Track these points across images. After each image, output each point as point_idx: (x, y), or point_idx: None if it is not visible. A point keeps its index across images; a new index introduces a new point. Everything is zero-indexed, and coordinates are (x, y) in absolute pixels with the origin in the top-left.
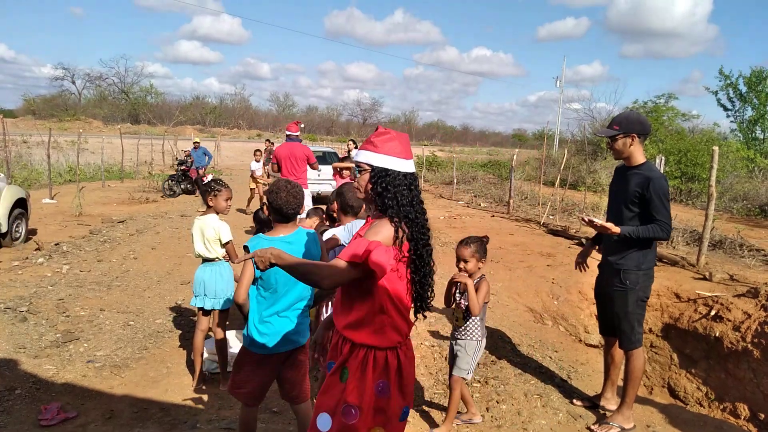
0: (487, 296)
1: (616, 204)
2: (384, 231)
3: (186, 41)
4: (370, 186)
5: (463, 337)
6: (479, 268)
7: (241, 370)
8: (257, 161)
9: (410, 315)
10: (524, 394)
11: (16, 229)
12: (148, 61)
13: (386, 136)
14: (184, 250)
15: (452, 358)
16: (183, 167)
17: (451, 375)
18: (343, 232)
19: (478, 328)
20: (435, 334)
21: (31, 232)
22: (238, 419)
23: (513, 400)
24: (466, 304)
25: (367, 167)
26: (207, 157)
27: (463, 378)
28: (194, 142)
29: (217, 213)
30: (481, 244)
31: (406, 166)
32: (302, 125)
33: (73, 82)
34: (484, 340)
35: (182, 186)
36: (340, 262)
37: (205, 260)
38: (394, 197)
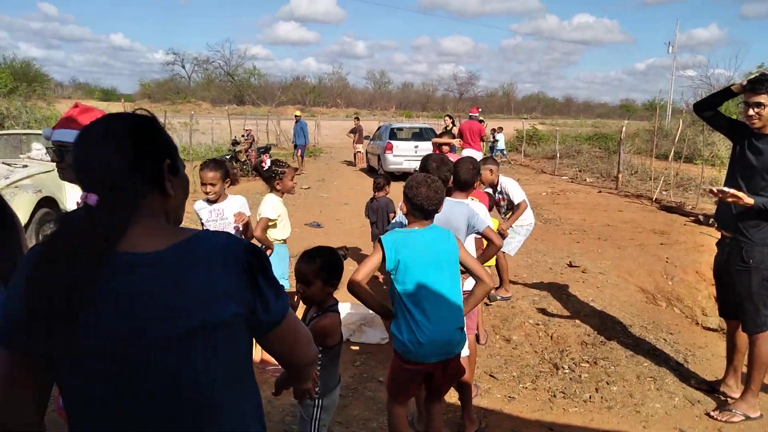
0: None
1: (746, 176)
2: None
3: (284, 23)
4: None
5: None
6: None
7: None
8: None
9: None
10: (636, 376)
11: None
12: (250, 43)
13: None
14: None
15: None
16: (238, 149)
17: None
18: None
19: None
20: (543, 312)
21: None
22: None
23: (624, 382)
24: None
25: None
26: (303, 136)
27: None
28: (295, 115)
29: (284, 194)
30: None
31: None
32: (480, 110)
33: (183, 67)
34: None
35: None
36: None
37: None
38: None
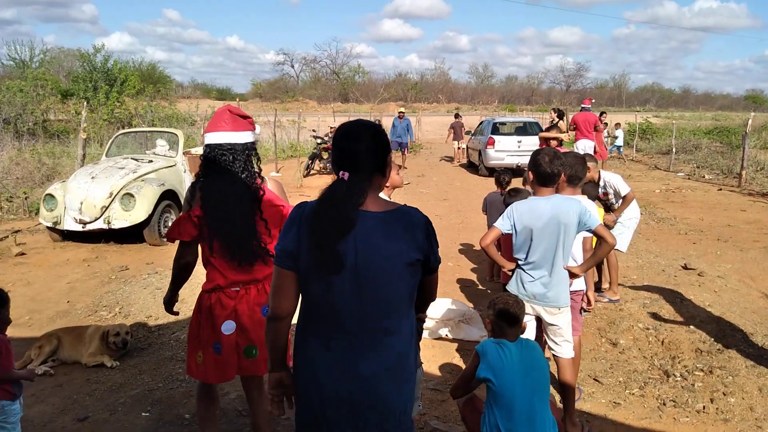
0: None
1: None
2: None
3: (389, 20)
4: None
5: None
6: None
7: None
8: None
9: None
10: (758, 388)
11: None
12: (355, 42)
13: None
14: None
15: None
16: (323, 145)
17: None
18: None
19: None
20: (654, 316)
21: None
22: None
23: (744, 394)
24: None
25: None
26: (408, 134)
27: None
28: (399, 112)
29: (393, 189)
30: None
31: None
32: (593, 100)
33: (292, 66)
34: None
35: (318, 165)
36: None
37: None
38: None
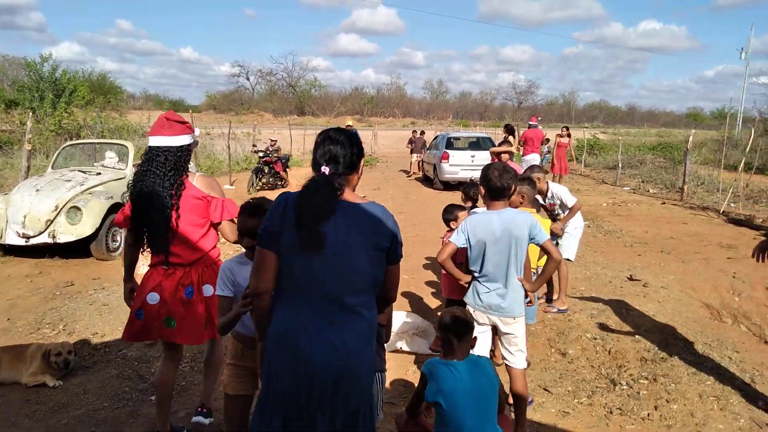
0: None
1: None
2: None
3: (345, 35)
4: None
5: None
6: None
7: None
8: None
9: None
10: (699, 395)
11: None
12: (312, 56)
13: None
14: None
15: None
16: (266, 158)
17: None
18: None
19: None
20: (602, 326)
21: None
22: None
23: (685, 400)
24: None
25: None
26: None
27: None
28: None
29: None
30: None
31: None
32: (540, 117)
33: (248, 79)
34: None
35: (263, 180)
36: None
37: None
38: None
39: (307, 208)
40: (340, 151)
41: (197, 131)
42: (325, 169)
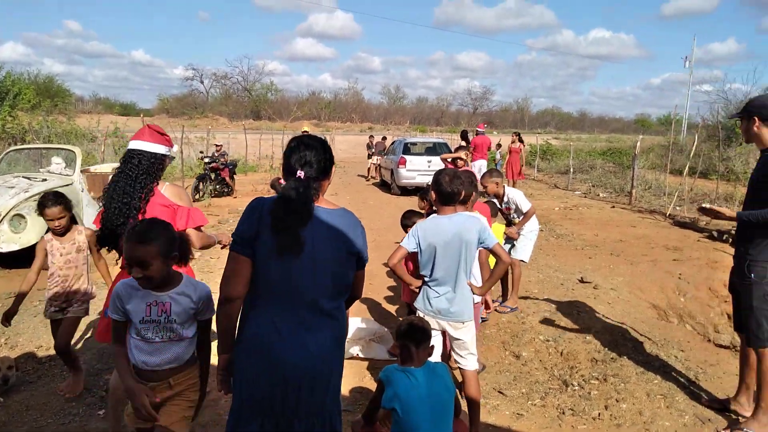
0: None
1: (749, 191)
2: None
3: (302, 39)
4: None
5: None
6: None
7: None
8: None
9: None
10: (646, 393)
11: None
12: (268, 59)
13: None
14: None
15: None
16: (212, 165)
17: None
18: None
19: None
20: (554, 328)
21: None
22: None
23: (634, 399)
24: None
25: None
26: None
27: None
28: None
29: None
30: None
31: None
32: (486, 125)
33: (202, 82)
34: None
35: (210, 187)
36: None
37: None
38: None
39: (285, 211)
40: (314, 157)
41: (175, 148)
42: (301, 173)
